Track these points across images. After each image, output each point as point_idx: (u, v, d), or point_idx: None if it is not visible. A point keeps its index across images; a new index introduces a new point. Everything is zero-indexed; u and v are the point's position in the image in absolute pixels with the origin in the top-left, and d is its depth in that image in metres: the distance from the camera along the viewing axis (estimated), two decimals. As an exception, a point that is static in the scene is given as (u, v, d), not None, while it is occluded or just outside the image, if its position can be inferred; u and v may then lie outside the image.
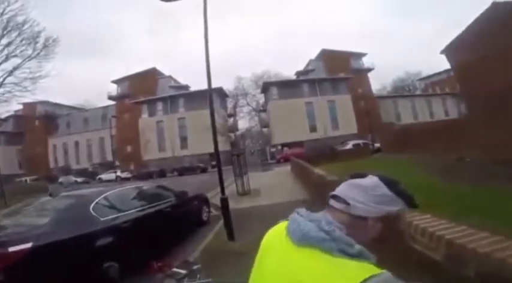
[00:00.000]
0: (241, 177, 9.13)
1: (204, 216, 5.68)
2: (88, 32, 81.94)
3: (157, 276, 3.06)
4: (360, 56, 41.33)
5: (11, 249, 2.25)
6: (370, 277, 0.46)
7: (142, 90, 38.26)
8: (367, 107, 27.12)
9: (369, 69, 40.88)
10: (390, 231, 0.61)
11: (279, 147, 33.70)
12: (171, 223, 4.21)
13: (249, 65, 65.20)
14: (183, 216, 4.68)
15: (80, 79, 76.26)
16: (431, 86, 47.00)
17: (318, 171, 6.45)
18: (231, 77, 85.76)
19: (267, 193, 8.79)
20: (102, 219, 3.08)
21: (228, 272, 3.00)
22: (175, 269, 3.08)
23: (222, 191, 4.55)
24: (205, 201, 5.98)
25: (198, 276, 2.78)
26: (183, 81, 44.08)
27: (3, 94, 14.83)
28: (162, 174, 28.46)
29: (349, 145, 24.91)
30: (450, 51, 14.55)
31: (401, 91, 48.23)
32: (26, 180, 29.89)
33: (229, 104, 41.06)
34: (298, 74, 42.27)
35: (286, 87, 35.62)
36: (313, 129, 34.29)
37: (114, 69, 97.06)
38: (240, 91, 39.98)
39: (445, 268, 1.16)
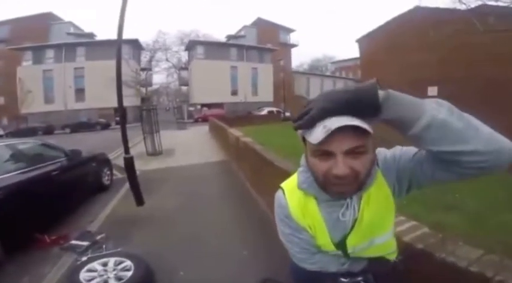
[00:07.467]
0: (152, 136, 8.38)
1: (106, 180, 5.02)
2: None
3: (53, 251, 2.64)
4: (288, 31, 43.39)
5: None
6: (281, 186, 0.82)
7: (29, 36, 30.43)
8: (284, 79, 29.14)
9: (293, 45, 43.25)
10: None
11: (198, 107, 32.66)
12: (62, 188, 3.51)
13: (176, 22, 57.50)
14: (77, 179, 4.03)
15: None
16: (340, 70, 53.98)
17: (233, 131, 6.61)
18: (152, 30, 74.19)
19: (182, 154, 8.47)
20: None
21: (139, 240, 2.83)
22: (74, 241, 2.76)
23: (126, 150, 4.01)
24: (106, 162, 5.25)
25: (104, 246, 2.59)
26: (89, 29, 36.95)
27: None
28: (49, 130, 23.76)
29: (265, 111, 27.36)
30: (362, 41, 16.75)
31: (315, 70, 54.14)
32: None
33: (145, 58, 36.52)
34: (230, 37, 41.11)
35: (214, 48, 34.26)
36: (234, 92, 34.86)
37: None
38: (160, 45, 36.08)
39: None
